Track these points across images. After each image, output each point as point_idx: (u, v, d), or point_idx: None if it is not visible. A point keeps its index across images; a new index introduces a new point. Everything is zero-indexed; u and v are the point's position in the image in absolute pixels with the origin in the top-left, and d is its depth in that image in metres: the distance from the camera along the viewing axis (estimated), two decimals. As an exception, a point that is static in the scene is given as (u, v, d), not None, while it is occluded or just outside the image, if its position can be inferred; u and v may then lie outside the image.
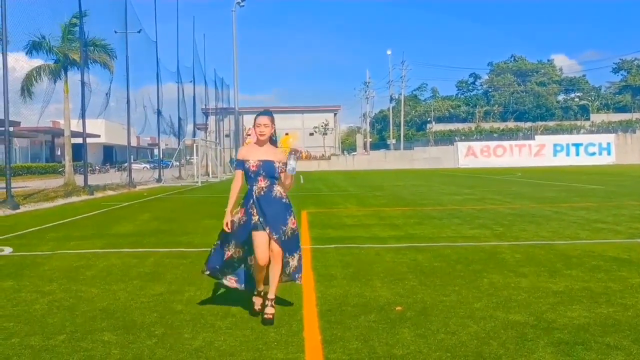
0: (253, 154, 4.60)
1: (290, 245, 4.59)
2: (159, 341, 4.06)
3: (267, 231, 4.48)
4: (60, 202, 18.25)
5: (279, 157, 4.62)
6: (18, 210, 15.13)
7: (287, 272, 4.64)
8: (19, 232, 10.57)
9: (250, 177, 4.58)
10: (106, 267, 6.90)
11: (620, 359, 3.58)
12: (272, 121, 4.66)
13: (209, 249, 4.83)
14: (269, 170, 4.55)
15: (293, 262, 4.63)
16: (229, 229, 4.53)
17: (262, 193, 4.53)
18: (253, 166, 4.54)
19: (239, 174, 4.69)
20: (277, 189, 4.59)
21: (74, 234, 10.25)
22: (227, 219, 4.57)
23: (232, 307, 4.93)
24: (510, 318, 4.47)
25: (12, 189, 15.89)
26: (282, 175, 4.63)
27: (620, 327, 4.20)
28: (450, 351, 3.76)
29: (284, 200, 4.63)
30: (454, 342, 3.93)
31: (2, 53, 15.76)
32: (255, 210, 4.52)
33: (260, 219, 4.50)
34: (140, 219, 12.65)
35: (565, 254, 7.24)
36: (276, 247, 4.50)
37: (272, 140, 4.69)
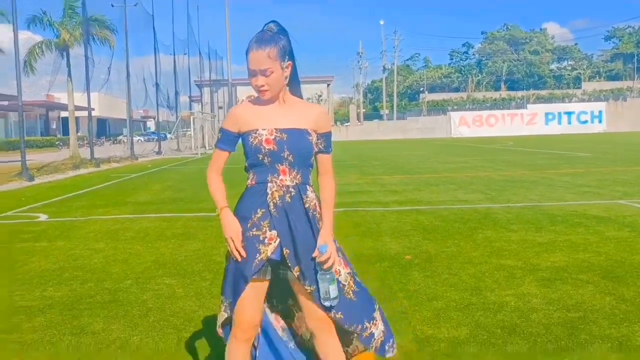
0: (264, 118, 2.38)
1: (354, 308, 2.45)
2: (211, 283, 4.88)
3: (297, 276, 2.36)
4: (71, 174, 18.98)
5: (315, 120, 2.43)
6: (34, 182, 15.86)
7: (369, 345, 2.50)
8: (44, 202, 11.32)
9: (260, 164, 2.37)
10: (142, 229, 7.69)
11: (589, 289, 4.44)
12: (280, 52, 2.31)
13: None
14: (301, 149, 2.37)
15: (372, 329, 2.50)
16: (239, 254, 2.34)
17: (288, 198, 2.37)
18: (268, 141, 2.33)
19: (220, 159, 2.46)
20: (312, 194, 2.47)
21: (97, 202, 11.02)
22: (232, 231, 2.35)
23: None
24: (502, 262, 5.32)
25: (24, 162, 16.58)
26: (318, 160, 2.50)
27: (593, 267, 5.07)
28: (453, 286, 4.61)
29: (317, 216, 2.45)
30: (456, 280, 4.78)
31: (14, 32, 16.30)
32: (268, 231, 2.35)
33: (286, 250, 2.35)
34: (154, 189, 13.42)
35: (551, 213, 8.10)
36: (320, 313, 2.41)
37: (294, 88, 2.45)
